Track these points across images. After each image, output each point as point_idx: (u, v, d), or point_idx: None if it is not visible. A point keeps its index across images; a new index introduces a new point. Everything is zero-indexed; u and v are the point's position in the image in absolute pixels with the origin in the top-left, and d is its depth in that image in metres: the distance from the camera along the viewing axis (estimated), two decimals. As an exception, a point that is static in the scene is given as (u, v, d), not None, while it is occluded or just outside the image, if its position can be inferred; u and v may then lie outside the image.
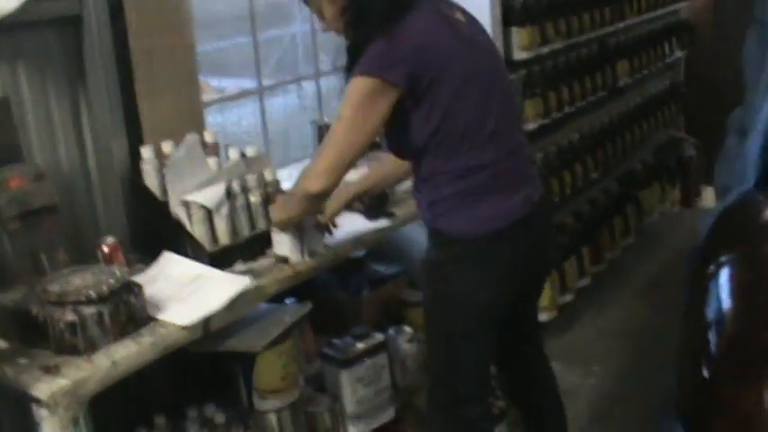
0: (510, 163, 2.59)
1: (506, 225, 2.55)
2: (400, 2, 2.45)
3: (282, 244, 2.77)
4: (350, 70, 2.48)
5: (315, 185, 2.51)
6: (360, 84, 2.40)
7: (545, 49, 4.27)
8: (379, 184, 3.05)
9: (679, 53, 6.08)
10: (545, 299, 4.21)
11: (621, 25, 5.05)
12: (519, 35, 4.05)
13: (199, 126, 3.06)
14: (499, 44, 3.89)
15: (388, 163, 2.95)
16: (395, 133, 2.57)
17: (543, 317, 4.20)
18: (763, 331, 2.66)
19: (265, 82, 3.59)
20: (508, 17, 4.02)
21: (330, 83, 3.81)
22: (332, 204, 2.86)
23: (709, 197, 6.39)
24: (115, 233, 2.72)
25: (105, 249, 2.60)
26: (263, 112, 3.61)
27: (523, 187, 2.61)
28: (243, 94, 3.59)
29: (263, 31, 3.46)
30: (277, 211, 2.74)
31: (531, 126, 4.20)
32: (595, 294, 4.94)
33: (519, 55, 4.08)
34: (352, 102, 2.42)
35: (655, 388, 4.03)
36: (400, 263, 3.63)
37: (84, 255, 2.65)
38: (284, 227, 2.74)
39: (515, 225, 2.56)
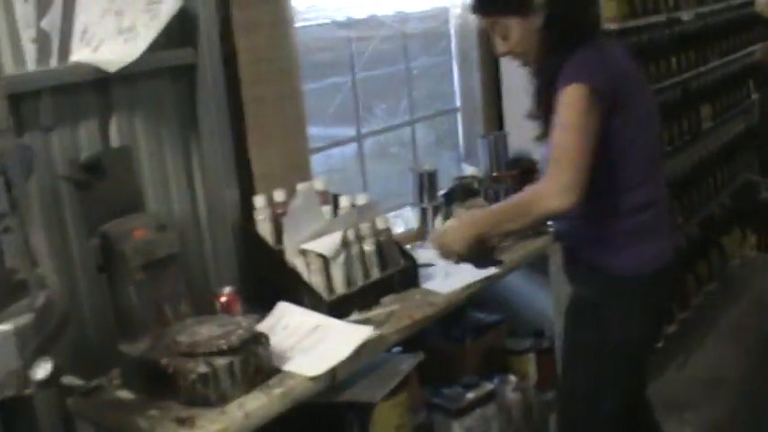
0: (667, 203, 2.61)
1: (665, 266, 2.54)
2: (594, 22, 2.52)
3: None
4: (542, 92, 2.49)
5: (562, 201, 2.31)
6: (576, 90, 2.32)
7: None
8: None
9: (755, 95, 6.02)
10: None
11: (703, 69, 4.99)
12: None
13: (306, 174, 3.06)
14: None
15: None
16: None
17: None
18: None
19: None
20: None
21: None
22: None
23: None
24: (227, 283, 2.69)
25: (224, 299, 2.58)
26: (362, 159, 3.59)
27: (673, 230, 2.64)
28: (344, 141, 3.57)
29: (321, 79, 3.45)
30: (451, 238, 2.59)
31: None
32: (683, 340, 4.84)
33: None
34: (575, 107, 2.33)
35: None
36: (500, 310, 3.58)
37: (199, 305, 2.63)
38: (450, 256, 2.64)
39: (670, 266, 2.57)
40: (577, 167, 2.31)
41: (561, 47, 2.43)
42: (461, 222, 2.67)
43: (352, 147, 3.64)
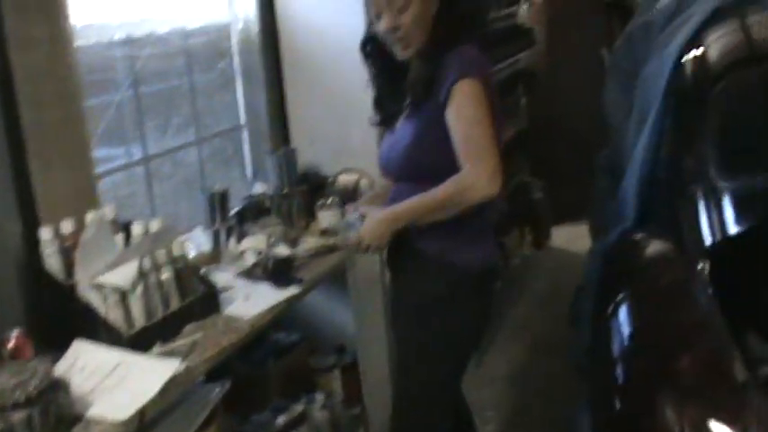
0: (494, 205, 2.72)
1: (497, 264, 2.76)
2: (481, 24, 2.71)
3: None
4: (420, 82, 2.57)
5: (492, 188, 2.47)
6: (473, 85, 2.48)
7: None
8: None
9: (523, 100, 6.21)
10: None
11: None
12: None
13: (94, 200, 2.87)
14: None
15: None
16: (431, 149, 2.59)
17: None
18: (667, 361, 2.73)
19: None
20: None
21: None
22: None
23: (560, 238, 6.54)
24: (14, 325, 2.46)
25: (12, 344, 2.36)
26: (150, 182, 3.42)
27: None
28: (130, 164, 3.38)
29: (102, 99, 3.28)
30: (373, 233, 2.67)
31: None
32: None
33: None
34: (476, 100, 2.49)
35: (552, 425, 4.08)
36: (300, 329, 3.51)
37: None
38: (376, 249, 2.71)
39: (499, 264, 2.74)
40: (495, 155, 2.49)
41: (448, 39, 2.55)
42: (383, 217, 2.68)
43: (135, 169, 3.45)
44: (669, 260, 3.29)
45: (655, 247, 3.43)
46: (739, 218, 3.07)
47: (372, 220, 2.69)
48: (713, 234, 3.08)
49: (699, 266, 3.02)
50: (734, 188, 3.08)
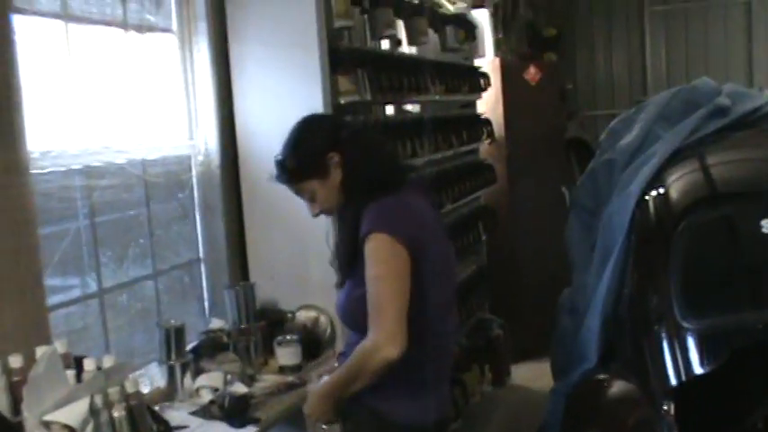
0: (447, 360, 2.72)
1: (441, 418, 2.65)
2: (396, 173, 2.66)
3: None
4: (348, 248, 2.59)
5: (390, 350, 2.41)
6: (378, 240, 2.47)
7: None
8: None
9: (484, 237, 6.21)
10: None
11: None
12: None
13: (45, 333, 2.80)
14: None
15: None
16: (363, 305, 2.51)
17: None
18: None
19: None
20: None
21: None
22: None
23: (520, 375, 6.47)
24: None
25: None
26: (104, 316, 3.34)
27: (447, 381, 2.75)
28: (84, 297, 3.30)
29: (56, 226, 3.22)
30: (314, 409, 2.67)
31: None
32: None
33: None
34: (381, 256, 2.47)
35: None
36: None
37: None
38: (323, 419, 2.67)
39: (445, 419, 2.70)
40: (395, 315, 2.42)
41: (359, 196, 2.57)
42: (318, 392, 2.67)
43: (89, 302, 3.36)
44: (634, 400, 3.25)
45: (619, 387, 3.40)
46: (704, 358, 3.05)
47: (312, 395, 2.70)
48: (678, 374, 3.05)
49: (664, 407, 2.98)
50: (698, 328, 3.07)
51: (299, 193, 2.73)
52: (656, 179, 3.56)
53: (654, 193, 3.53)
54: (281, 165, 2.71)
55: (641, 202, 3.52)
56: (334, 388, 2.60)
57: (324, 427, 2.68)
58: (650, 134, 3.91)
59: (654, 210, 3.49)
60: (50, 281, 3.03)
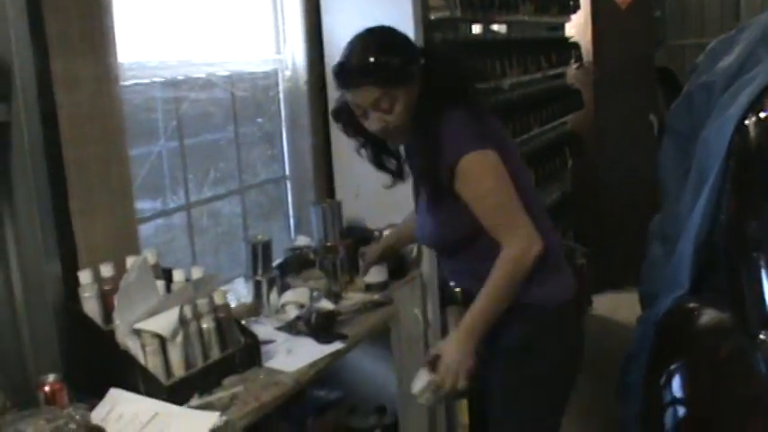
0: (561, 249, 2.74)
1: (572, 297, 2.65)
2: (467, 85, 2.57)
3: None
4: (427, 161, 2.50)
5: (537, 245, 2.44)
6: (472, 160, 2.43)
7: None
8: (403, 239, 3.30)
9: (570, 163, 6.11)
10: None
11: (526, 137, 5.01)
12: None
13: (134, 246, 2.79)
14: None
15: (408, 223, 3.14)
16: (460, 225, 2.54)
17: None
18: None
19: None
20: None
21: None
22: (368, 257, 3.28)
23: (601, 306, 6.38)
24: (50, 370, 2.36)
25: (47, 389, 2.25)
26: (191, 229, 3.33)
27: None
28: (172, 210, 3.30)
29: (147, 143, 3.20)
30: (457, 360, 2.51)
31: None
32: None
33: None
34: (484, 172, 2.45)
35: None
36: (339, 387, 3.38)
37: (18, 397, 2.30)
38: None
39: (574, 298, 2.68)
40: (524, 216, 2.46)
41: (434, 113, 2.49)
42: (456, 341, 2.54)
43: (176, 217, 3.36)
44: (727, 329, 3.16)
45: (711, 315, 3.30)
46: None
47: (449, 348, 2.54)
48: (777, 303, 2.95)
49: (761, 336, 2.89)
50: (800, 255, 2.96)
51: (376, 102, 2.52)
52: (758, 102, 3.41)
53: (755, 117, 3.38)
54: (365, 67, 2.51)
55: (741, 126, 3.38)
56: (480, 320, 2.51)
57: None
58: (752, 56, 3.74)
59: (755, 134, 3.35)
60: (138, 203, 3.01)
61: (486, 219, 2.48)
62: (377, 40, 2.56)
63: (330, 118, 3.85)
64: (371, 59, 2.51)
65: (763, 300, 2.98)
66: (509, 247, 2.45)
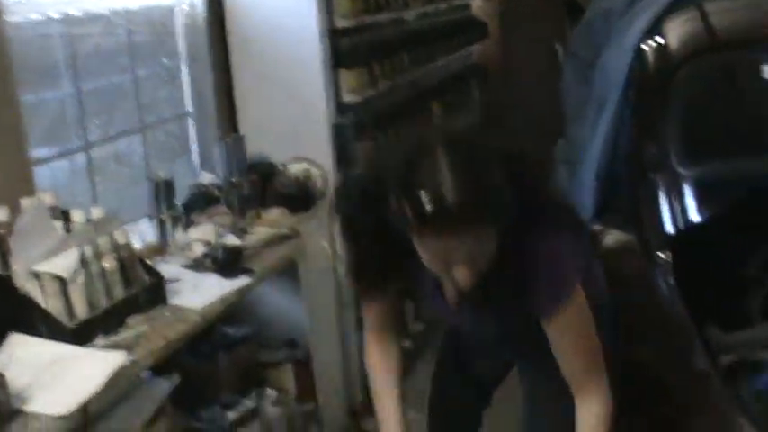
0: None
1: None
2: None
3: None
4: None
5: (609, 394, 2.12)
6: (573, 304, 2.03)
7: (372, 92, 4.14)
8: None
9: (476, 93, 6.14)
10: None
11: (431, 66, 5.02)
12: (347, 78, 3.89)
13: (30, 188, 2.73)
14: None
15: None
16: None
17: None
18: (628, 350, 2.68)
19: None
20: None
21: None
22: None
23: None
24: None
25: (-57, 336, 2.21)
26: (91, 170, 3.27)
27: None
28: (70, 152, 3.22)
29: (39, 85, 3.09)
30: None
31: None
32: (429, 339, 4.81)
33: (347, 98, 3.91)
34: (582, 318, 2.07)
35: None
36: (248, 323, 3.37)
37: None
38: None
39: None
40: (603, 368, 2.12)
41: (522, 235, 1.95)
42: None
43: (78, 161, 3.28)
44: (629, 250, 3.22)
45: (614, 237, 3.36)
46: (702, 206, 3.02)
47: None
48: (675, 223, 3.02)
49: (661, 255, 2.96)
50: (696, 176, 3.03)
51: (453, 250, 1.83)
52: (654, 28, 3.46)
53: (652, 42, 3.43)
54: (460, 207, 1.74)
55: (638, 52, 3.42)
56: None
57: None
58: (647, -17, 3.79)
59: (652, 59, 3.40)
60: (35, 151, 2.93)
61: (577, 367, 2.12)
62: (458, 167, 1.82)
63: (230, 54, 3.81)
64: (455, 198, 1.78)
65: (662, 220, 3.04)
66: (593, 403, 2.12)
